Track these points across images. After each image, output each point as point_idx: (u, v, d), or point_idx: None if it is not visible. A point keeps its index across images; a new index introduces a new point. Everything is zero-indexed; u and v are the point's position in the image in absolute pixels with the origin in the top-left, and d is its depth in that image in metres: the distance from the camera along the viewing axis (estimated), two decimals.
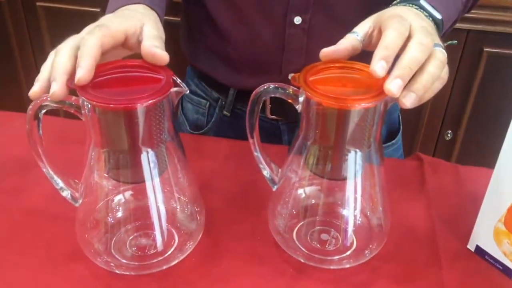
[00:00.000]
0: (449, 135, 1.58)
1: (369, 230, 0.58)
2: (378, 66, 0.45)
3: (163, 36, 0.55)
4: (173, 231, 0.57)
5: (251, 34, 0.73)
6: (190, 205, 0.58)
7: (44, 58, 0.52)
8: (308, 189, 0.59)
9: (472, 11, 1.38)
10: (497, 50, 1.42)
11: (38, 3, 1.63)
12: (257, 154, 0.57)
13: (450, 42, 0.58)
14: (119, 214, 0.58)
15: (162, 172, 0.51)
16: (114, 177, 0.51)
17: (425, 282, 0.54)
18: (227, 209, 0.63)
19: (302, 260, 0.55)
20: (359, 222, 0.58)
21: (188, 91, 0.49)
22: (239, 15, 0.69)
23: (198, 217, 0.57)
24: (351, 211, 0.57)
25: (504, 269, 0.55)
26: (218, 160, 0.72)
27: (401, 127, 0.87)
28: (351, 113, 0.47)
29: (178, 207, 0.58)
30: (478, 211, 0.57)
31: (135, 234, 0.57)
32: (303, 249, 0.56)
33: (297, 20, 0.69)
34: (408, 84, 0.46)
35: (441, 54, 0.47)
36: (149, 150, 0.49)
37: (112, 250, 0.55)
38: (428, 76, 0.46)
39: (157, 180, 0.51)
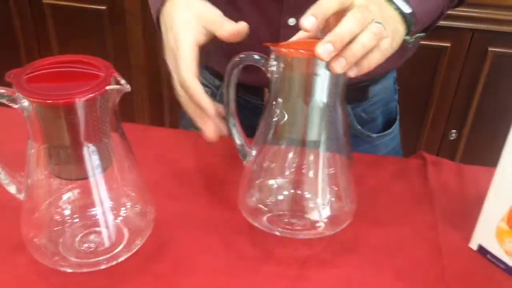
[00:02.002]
0: (453, 134, 1.58)
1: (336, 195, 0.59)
2: (306, 20, 0.47)
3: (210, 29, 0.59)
4: (122, 227, 0.56)
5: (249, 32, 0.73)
6: (140, 201, 0.57)
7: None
8: (280, 161, 0.59)
9: (477, 10, 1.39)
10: (502, 50, 1.42)
11: (44, 1, 1.64)
12: (232, 122, 0.58)
13: (418, 34, 0.59)
14: (64, 211, 0.57)
15: (105, 168, 0.51)
16: (55, 174, 0.51)
17: (427, 280, 0.55)
18: (182, 205, 0.63)
19: (278, 234, 0.56)
20: (324, 189, 0.59)
21: (129, 90, 0.49)
22: (237, 12, 0.70)
23: (148, 214, 0.57)
24: (319, 180, 0.58)
25: (506, 268, 0.56)
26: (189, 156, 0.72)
27: (398, 117, 0.87)
28: (315, 62, 0.50)
29: (126, 203, 0.57)
30: (481, 210, 0.57)
31: (79, 232, 0.56)
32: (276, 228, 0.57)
33: (292, 21, 0.70)
34: (339, 52, 0.47)
35: (375, 28, 0.48)
36: (90, 145, 0.49)
37: (60, 248, 0.54)
38: (358, 46, 0.47)
39: (99, 176, 0.51)
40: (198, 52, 0.58)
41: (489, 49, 1.42)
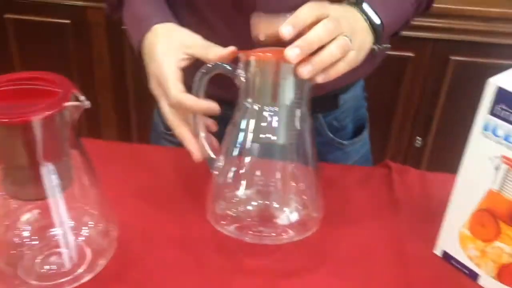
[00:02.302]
0: (419, 142, 1.61)
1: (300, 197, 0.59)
2: (285, 29, 0.50)
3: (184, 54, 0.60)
4: (83, 247, 0.55)
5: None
6: (102, 220, 0.56)
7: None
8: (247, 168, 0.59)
9: (438, 20, 1.42)
10: (463, 59, 1.46)
11: (5, 15, 1.61)
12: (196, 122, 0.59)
13: (385, 45, 0.62)
14: (23, 233, 0.55)
15: (65, 187, 0.50)
16: (12, 195, 0.50)
17: (392, 287, 0.55)
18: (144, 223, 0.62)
19: (248, 240, 0.56)
20: (292, 196, 0.59)
21: (89, 106, 0.48)
22: (210, 31, 0.70)
23: (110, 233, 0.56)
24: (287, 187, 0.58)
25: (470, 273, 0.56)
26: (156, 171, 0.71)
27: (367, 123, 0.88)
28: (284, 66, 0.52)
29: (88, 222, 0.55)
30: (444, 217, 0.58)
31: (40, 254, 0.54)
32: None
33: None
34: (307, 57, 0.50)
35: (342, 40, 0.52)
36: (48, 164, 0.48)
37: (20, 272, 0.52)
38: (325, 55, 0.51)
39: (59, 195, 0.50)
40: (181, 74, 0.59)
41: (451, 57, 1.45)
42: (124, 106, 1.70)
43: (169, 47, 0.61)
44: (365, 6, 0.59)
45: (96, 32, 1.57)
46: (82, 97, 0.48)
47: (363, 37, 0.58)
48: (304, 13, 0.51)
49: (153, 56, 0.61)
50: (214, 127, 0.62)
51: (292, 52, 0.49)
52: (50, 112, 0.45)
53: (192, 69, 0.61)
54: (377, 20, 0.59)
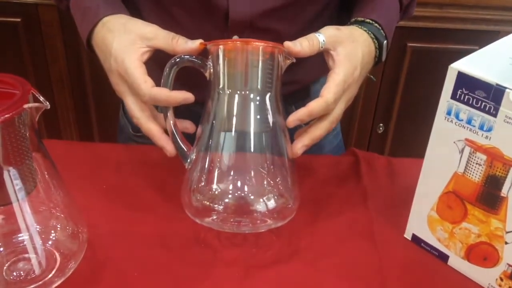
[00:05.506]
0: (381, 128, 1.64)
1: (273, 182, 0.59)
2: (298, 147, 0.58)
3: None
4: (52, 251, 0.53)
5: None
6: (70, 223, 0.54)
7: None
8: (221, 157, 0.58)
9: None
10: (419, 45, 1.49)
11: None
12: (170, 125, 0.58)
13: (370, 76, 0.67)
14: None
15: (29, 191, 0.49)
16: None
17: (365, 273, 0.56)
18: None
19: (226, 230, 0.56)
20: (267, 186, 0.58)
21: (49, 107, 0.47)
22: (181, 31, 0.68)
23: (80, 235, 0.54)
24: (262, 177, 0.58)
25: (440, 254, 0.58)
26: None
27: None
28: (253, 54, 0.54)
29: (56, 225, 0.54)
30: (413, 201, 0.59)
31: (7, 260, 0.52)
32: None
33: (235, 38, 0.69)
34: (302, 138, 0.58)
35: (334, 117, 0.58)
36: (10, 169, 0.46)
37: None
38: (318, 135, 0.58)
39: (23, 200, 0.48)
40: (145, 68, 0.58)
41: (408, 44, 1.49)
42: (84, 105, 1.66)
43: (127, 42, 0.58)
44: (385, 44, 0.64)
45: (49, 30, 1.52)
46: (41, 98, 0.47)
47: (366, 71, 0.62)
48: (311, 46, 0.56)
49: (111, 52, 0.59)
50: (191, 128, 0.61)
51: (300, 151, 0.58)
52: (8, 115, 0.43)
53: (150, 63, 0.59)
54: (384, 40, 0.64)
